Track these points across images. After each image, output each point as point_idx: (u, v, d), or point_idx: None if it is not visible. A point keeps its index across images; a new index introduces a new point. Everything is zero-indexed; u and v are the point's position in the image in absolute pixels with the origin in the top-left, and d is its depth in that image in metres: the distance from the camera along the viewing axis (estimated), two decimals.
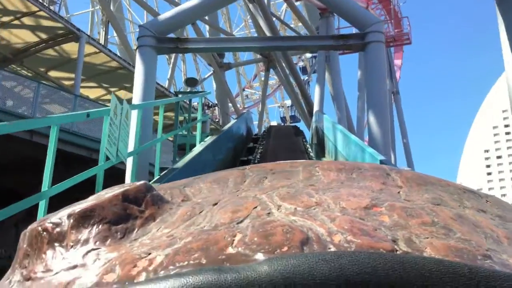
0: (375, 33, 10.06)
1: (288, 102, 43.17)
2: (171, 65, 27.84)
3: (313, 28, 23.74)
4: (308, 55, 42.59)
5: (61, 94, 14.52)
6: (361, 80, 23.22)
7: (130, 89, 20.04)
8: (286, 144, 12.26)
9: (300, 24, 32.83)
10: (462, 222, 0.78)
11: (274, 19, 24.23)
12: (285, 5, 40.83)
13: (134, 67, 12.27)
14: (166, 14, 10.76)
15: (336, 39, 10.21)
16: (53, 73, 19.28)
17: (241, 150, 11.47)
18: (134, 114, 9.34)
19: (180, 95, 11.32)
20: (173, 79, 24.36)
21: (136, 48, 10.25)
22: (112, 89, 20.09)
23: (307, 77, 37.65)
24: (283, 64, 24.28)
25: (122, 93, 19.33)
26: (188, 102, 10.39)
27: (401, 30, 24.21)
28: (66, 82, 19.14)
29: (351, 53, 23.25)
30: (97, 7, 26.32)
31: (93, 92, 20.48)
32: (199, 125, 9.19)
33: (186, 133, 9.89)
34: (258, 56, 30.98)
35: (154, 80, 10.15)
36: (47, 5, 21.82)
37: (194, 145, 8.98)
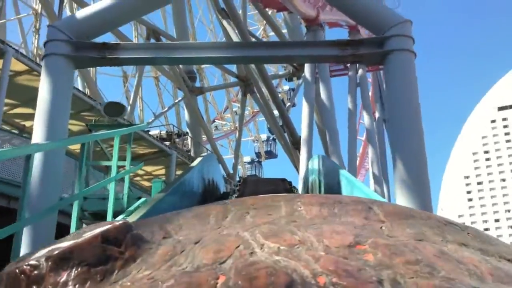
0: (400, 38, 6.74)
1: (263, 136, 39.88)
2: (134, 88, 24.28)
3: None
4: (286, 87, 39.56)
5: None
6: (352, 106, 20.24)
7: (77, 117, 16.63)
8: None
9: None
10: (446, 259, 0.77)
11: (252, 39, 21.09)
12: (261, 30, 37.96)
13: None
14: (89, 8, 7.21)
15: (342, 46, 6.84)
16: None
17: None
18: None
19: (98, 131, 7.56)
20: (134, 108, 20.76)
21: (42, 58, 6.75)
22: None
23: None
24: (262, 89, 20.98)
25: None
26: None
27: None
28: None
29: (340, 76, 20.18)
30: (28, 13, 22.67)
31: (30, 120, 16.79)
32: (127, 179, 5.63)
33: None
34: (233, 79, 27.77)
35: (67, 106, 6.61)
36: None
37: (119, 212, 5.47)
